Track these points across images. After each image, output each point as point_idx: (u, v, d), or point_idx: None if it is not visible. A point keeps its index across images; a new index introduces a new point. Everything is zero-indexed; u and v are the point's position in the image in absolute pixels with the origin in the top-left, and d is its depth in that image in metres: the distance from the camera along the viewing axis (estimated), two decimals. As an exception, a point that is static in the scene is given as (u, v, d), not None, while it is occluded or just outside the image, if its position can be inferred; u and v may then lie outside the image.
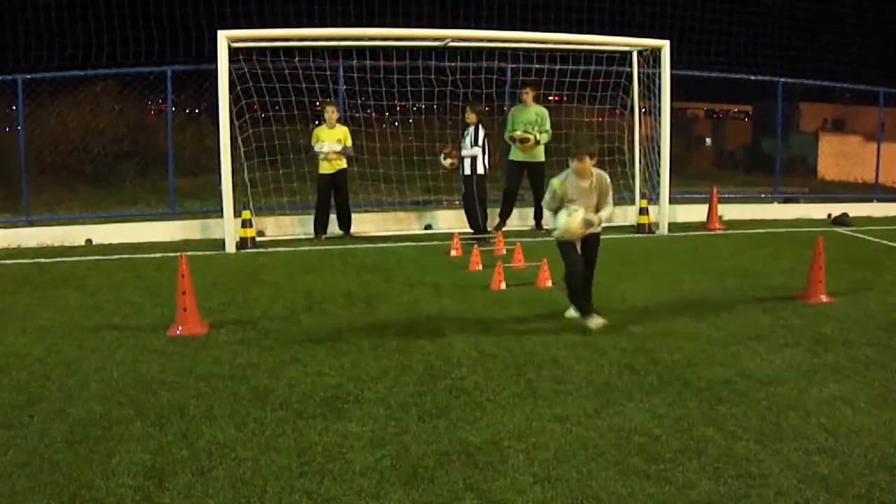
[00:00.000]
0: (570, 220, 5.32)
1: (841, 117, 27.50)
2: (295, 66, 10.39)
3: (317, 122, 11.09)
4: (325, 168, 9.82)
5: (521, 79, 11.23)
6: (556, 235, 5.51)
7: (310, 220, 10.42)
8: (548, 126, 10.15)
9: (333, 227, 10.25)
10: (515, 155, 10.21)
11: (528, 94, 10.23)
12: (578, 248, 5.65)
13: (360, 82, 11.01)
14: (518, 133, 9.99)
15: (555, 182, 5.50)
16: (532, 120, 10.06)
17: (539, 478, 3.21)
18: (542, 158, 10.28)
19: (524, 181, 10.43)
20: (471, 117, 9.46)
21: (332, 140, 9.76)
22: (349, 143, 9.96)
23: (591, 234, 5.56)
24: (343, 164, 9.95)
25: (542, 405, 4.04)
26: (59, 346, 5.15)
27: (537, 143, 9.99)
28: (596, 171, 5.49)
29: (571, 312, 5.88)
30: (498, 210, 10.45)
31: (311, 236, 10.16)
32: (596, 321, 5.57)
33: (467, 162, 9.42)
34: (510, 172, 10.38)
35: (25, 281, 7.42)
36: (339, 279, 7.43)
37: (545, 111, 10.22)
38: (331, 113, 9.84)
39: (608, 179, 5.54)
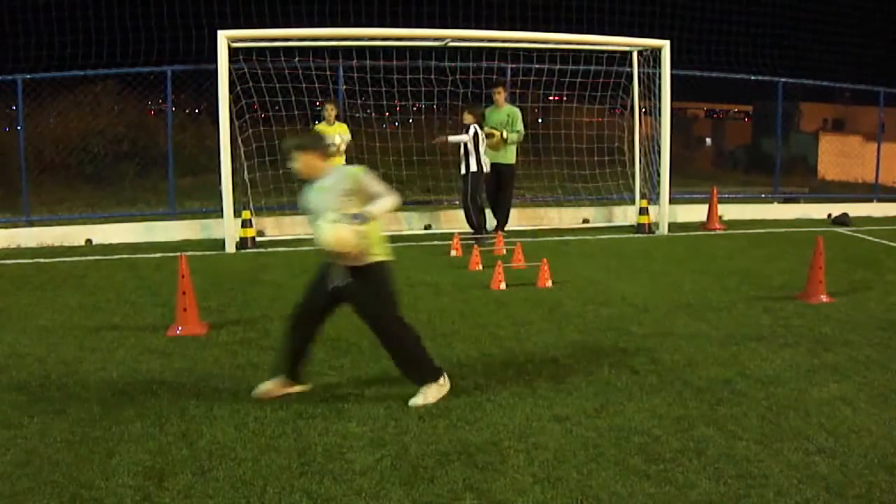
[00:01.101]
0: (335, 230, 3.82)
1: (841, 117, 27.48)
2: (295, 66, 10.39)
3: (317, 122, 11.10)
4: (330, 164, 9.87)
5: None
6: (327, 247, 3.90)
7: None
8: (519, 126, 9.89)
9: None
10: (488, 156, 10.02)
11: (500, 94, 10.01)
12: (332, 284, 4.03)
13: (360, 82, 11.01)
14: (485, 129, 9.78)
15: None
16: (503, 121, 9.82)
17: (539, 478, 3.21)
18: (512, 161, 10.06)
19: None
20: (467, 118, 9.39)
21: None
22: (348, 137, 10.03)
23: (353, 269, 3.97)
24: (342, 161, 9.98)
25: (542, 405, 4.03)
26: (59, 346, 5.15)
27: (504, 140, 9.76)
28: (333, 167, 4.15)
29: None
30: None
31: (311, 236, 10.15)
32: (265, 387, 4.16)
33: (463, 161, 9.37)
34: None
35: (25, 281, 7.41)
36: (339, 279, 7.41)
37: (517, 111, 10.00)
38: (330, 111, 9.88)
39: (359, 174, 3.98)
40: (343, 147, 9.82)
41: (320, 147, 4.15)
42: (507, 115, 9.89)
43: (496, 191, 10.16)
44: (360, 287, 3.98)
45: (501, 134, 9.68)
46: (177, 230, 10.20)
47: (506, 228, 10.15)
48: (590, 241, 9.89)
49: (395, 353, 4.13)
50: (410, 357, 4.10)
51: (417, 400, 4.03)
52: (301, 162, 4.09)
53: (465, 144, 9.30)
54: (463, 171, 9.44)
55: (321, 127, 9.91)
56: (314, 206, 4.04)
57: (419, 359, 4.11)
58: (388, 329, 4.07)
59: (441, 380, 4.12)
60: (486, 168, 9.56)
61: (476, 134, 9.33)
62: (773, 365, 4.70)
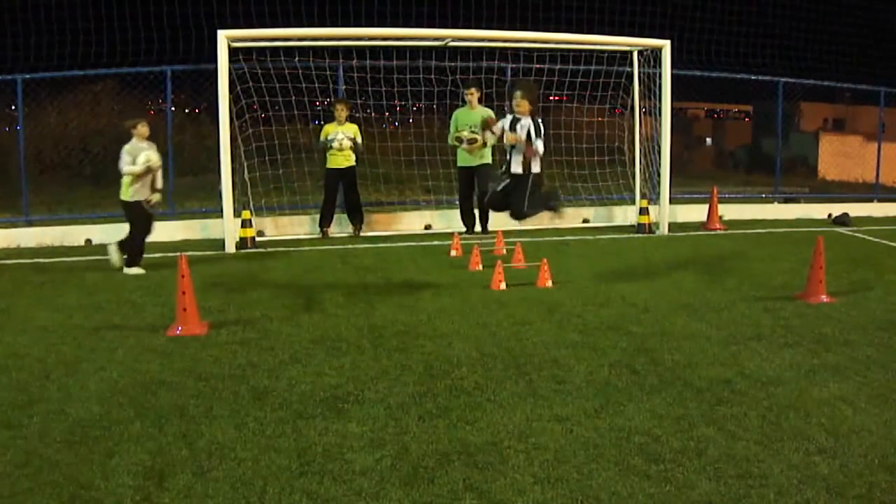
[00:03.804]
0: None
1: (841, 117, 27.48)
2: (295, 66, 10.39)
3: (317, 122, 11.09)
4: (335, 163, 9.86)
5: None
6: None
7: (309, 219, 10.45)
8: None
9: (336, 227, 10.28)
10: (463, 160, 9.89)
11: (472, 96, 9.80)
12: None
13: (360, 82, 11.01)
14: (465, 133, 9.57)
15: None
16: (478, 122, 9.49)
17: (539, 478, 3.21)
18: (489, 160, 9.97)
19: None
20: (523, 106, 6.41)
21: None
22: (359, 139, 10.00)
23: None
24: (352, 160, 9.98)
25: (542, 405, 4.03)
26: (58, 346, 5.15)
27: (484, 144, 9.62)
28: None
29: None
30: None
31: (312, 236, 10.19)
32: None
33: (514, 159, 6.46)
34: (460, 179, 10.11)
35: (25, 281, 7.41)
36: (339, 279, 7.42)
37: (492, 113, 9.79)
38: (341, 110, 9.86)
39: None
40: (346, 144, 9.80)
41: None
42: (481, 116, 9.43)
43: (470, 194, 10.03)
44: None
45: (482, 138, 9.55)
46: (177, 230, 10.20)
47: (505, 228, 10.13)
48: (590, 241, 9.89)
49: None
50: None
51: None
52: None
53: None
54: (518, 170, 6.42)
55: (330, 126, 9.91)
56: None
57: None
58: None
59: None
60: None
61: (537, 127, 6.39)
62: (773, 365, 4.70)
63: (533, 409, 3.97)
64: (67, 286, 7.15)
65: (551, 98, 12.21)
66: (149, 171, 7.79)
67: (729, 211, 12.07)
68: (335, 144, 9.74)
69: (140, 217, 7.81)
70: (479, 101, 10.02)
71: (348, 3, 11.98)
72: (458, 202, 10.44)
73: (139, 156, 7.72)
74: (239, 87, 9.78)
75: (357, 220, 10.23)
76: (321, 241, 9.92)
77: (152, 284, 7.20)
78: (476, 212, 10.30)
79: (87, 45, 10.90)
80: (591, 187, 11.83)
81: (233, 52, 9.21)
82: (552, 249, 8.94)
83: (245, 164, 9.97)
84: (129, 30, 11.10)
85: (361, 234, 10.24)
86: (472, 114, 9.76)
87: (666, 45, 10.40)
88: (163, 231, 10.08)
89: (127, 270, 7.76)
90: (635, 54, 11.01)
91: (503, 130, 6.42)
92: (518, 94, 6.51)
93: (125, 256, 7.82)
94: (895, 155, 15.17)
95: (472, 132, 9.59)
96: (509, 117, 6.49)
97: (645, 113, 11.44)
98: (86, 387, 4.35)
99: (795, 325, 5.65)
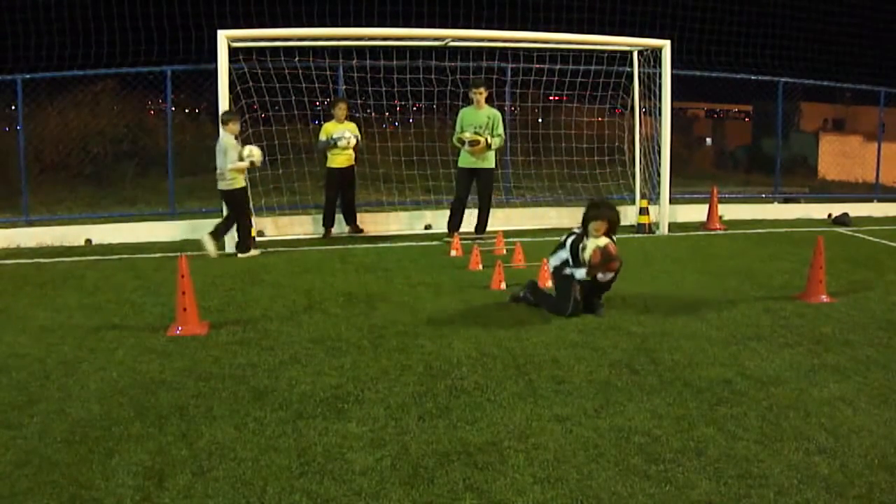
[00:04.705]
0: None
1: (841, 117, 27.44)
2: (295, 66, 10.39)
3: (317, 122, 11.09)
4: (337, 162, 9.86)
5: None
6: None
7: (309, 219, 10.45)
8: (500, 130, 9.56)
9: (336, 227, 10.28)
10: (465, 161, 9.61)
11: (481, 95, 9.49)
12: None
13: (360, 82, 11.02)
14: (467, 135, 9.37)
15: None
16: (483, 123, 9.43)
17: (539, 478, 3.21)
18: (492, 165, 9.74)
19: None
20: (601, 230, 5.79)
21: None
22: (358, 137, 10.01)
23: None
24: (353, 160, 10.00)
25: (542, 405, 4.03)
26: (58, 346, 5.15)
27: (488, 146, 9.43)
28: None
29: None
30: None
31: (311, 236, 10.18)
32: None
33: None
34: (459, 178, 9.80)
35: (25, 281, 7.41)
36: (339, 279, 7.42)
37: (498, 114, 9.64)
38: (341, 109, 9.86)
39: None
40: (353, 142, 9.81)
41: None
42: (487, 117, 9.49)
43: (466, 196, 9.75)
44: None
45: (486, 140, 9.44)
46: (177, 230, 10.20)
47: (505, 228, 10.13)
48: (590, 241, 9.86)
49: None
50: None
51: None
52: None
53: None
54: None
55: (330, 125, 9.92)
56: None
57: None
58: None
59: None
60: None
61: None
62: (773, 365, 4.70)
63: (533, 409, 3.97)
64: (67, 286, 7.15)
65: (551, 98, 12.23)
66: (252, 165, 8.75)
67: (729, 211, 12.07)
68: (342, 143, 9.71)
69: (245, 203, 8.82)
70: (488, 99, 9.78)
71: (348, 3, 12.00)
72: (453, 202, 9.98)
73: (243, 150, 8.62)
74: (239, 87, 9.77)
75: (352, 219, 10.23)
76: (321, 241, 9.92)
77: (152, 284, 7.20)
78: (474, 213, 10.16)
79: (87, 45, 10.91)
80: (591, 187, 11.82)
81: (233, 52, 9.21)
82: (552, 249, 8.92)
83: (245, 164, 9.96)
84: (129, 30, 11.11)
85: (361, 232, 10.24)
86: (478, 114, 9.55)
87: (666, 45, 10.40)
88: (163, 231, 10.11)
89: (242, 255, 8.64)
90: (635, 54, 11.01)
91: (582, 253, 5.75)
92: (597, 219, 5.66)
93: (238, 243, 8.74)
94: (895, 155, 15.16)
95: (476, 133, 9.48)
96: (579, 239, 5.84)
97: (645, 113, 11.43)
98: (86, 387, 4.35)
99: (795, 325, 5.65)
